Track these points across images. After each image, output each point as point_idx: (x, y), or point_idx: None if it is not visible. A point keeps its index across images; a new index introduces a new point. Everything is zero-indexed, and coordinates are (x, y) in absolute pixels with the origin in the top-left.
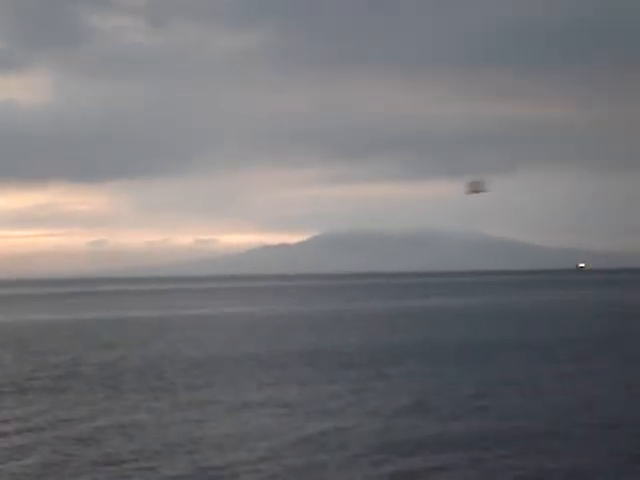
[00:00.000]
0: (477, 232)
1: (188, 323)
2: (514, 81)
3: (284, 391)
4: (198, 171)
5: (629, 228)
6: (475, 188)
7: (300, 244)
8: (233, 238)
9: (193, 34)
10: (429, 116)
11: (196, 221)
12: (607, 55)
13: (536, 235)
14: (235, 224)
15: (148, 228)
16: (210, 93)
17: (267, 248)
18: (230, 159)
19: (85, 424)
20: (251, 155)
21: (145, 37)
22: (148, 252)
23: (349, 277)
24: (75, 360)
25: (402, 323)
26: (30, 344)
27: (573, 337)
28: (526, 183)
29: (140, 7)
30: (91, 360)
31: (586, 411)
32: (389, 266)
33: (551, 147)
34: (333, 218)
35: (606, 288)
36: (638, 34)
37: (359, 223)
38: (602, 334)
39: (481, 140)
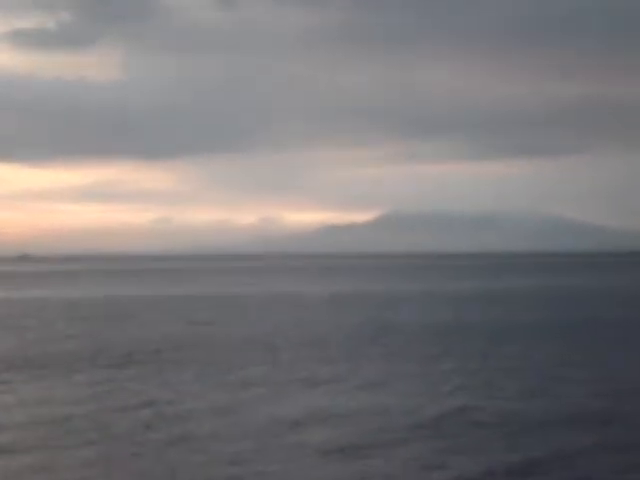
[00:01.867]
0: (546, 213)
1: (265, 301)
2: (584, 59)
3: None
4: (263, 148)
5: None
6: None
7: (366, 223)
8: (298, 216)
9: (262, 11)
10: (497, 95)
11: (261, 199)
12: None
13: (606, 216)
14: (300, 202)
15: (212, 206)
16: (276, 70)
17: (333, 227)
18: (295, 136)
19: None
20: (316, 132)
21: (213, 13)
22: (212, 230)
23: (415, 257)
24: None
25: (482, 304)
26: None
27: None
28: (596, 163)
29: None
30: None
31: None
32: (457, 247)
33: (623, 127)
34: (399, 197)
35: None
36: None
37: (426, 203)
38: None
39: (550, 119)
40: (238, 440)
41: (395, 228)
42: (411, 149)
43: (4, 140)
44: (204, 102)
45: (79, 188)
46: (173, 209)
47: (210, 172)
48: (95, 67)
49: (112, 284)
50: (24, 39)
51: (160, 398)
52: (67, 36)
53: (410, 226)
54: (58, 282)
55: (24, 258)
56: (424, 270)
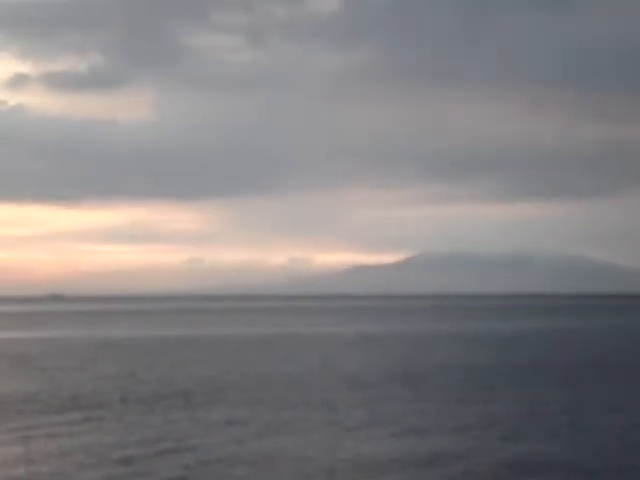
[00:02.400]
0: (575, 255)
1: (291, 342)
2: (613, 101)
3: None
4: (294, 189)
5: None
6: None
7: (395, 264)
8: (328, 257)
9: (293, 52)
10: (528, 136)
11: (291, 240)
12: None
13: (630, 257)
14: (330, 243)
15: (243, 246)
16: (306, 110)
17: (362, 267)
18: (326, 177)
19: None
20: (348, 174)
21: (244, 55)
22: (243, 270)
23: (443, 298)
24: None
25: (512, 344)
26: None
27: None
28: (627, 206)
29: (240, 26)
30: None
31: None
32: (486, 288)
33: None
34: (429, 239)
35: None
36: None
37: (456, 244)
38: None
39: (581, 161)
40: None
41: (424, 269)
42: (442, 191)
43: (37, 181)
44: (235, 142)
45: (110, 229)
46: (204, 249)
47: (241, 213)
48: (126, 108)
49: (146, 324)
50: (57, 81)
51: (203, 441)
52: (99, 78)
53: (439, 267)
54: (90, 322)
55: (56, 298)
56: (451, 311)
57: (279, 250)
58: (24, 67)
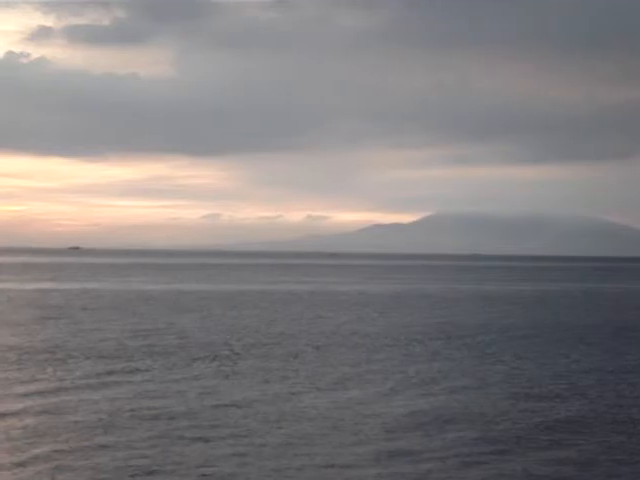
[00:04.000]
0: (593, 217)
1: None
2: (636, 63)
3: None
4: (314, 147)
5: None
6: None
7: (412, 224)
8: (345, 216)
9: (315, 12)
10: (548, 99)
11: (309, 197)
12: None
13: None
14: (348, 202)
15: (262, 203)
16: (328, 70)
17: (379, 227)
18: (346, 136)
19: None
20: (367, 134)
21: (267, 13)
22: (261, 227)
23: (460, 258)
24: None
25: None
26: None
27: None
28: None
29: None
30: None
31: None
32: (500, 249)
33: None
34: (446, 199)
35: None
36: None
37: (472, 205)
38: None
39: (601, 124)
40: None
41: (440, 229)
42: (461, 152)
43: (59, 135)
44: (256, 101)
45: (131, 183)
46: (222, 206)
47: (260, 170)
48: (147, 64)
49: (163, 279)
50: (79, 35)
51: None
52: (120, 33)
53: (454, 228)
54: (109, 275)
55: (75, 250)
56: (468, 271)
57: (297, 208)
58: (47, 20)
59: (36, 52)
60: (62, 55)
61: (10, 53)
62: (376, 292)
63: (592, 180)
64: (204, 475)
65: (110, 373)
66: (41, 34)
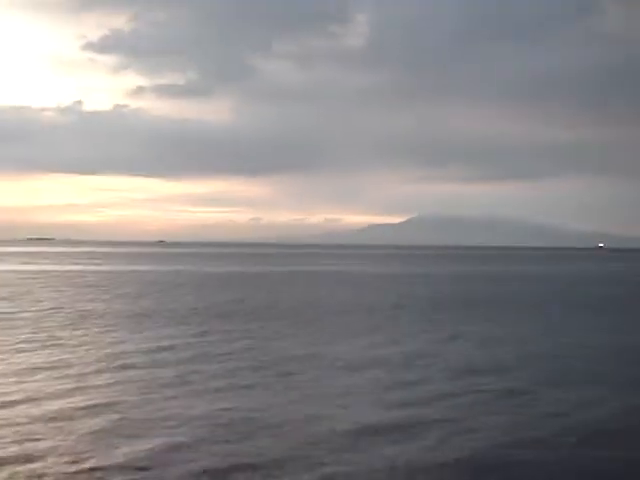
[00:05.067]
0: (532, 219)
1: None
2: (561, 111)
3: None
4: (330, 168)
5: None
6: None
7: (401, 224)
8: (353, 218)
9: (331, 72)
10: (497, 133)
11: (326, 205)
12: None
13: (574, 222)
14: (355, 208)
15: (292, 209)
16: (341, 115)
17: (377, 226)
18: (354, 161)
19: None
20: (369, 159)
21: (296, 75)
22: (291, 227)
23: (437, 249)
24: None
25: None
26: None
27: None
28: (570, 183)
29: (293, 54)
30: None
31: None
32: (468, 242)
33: (582, 160)
34: (425, 206)
35: (618, 262)
36: None
37: (445, 210)
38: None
39: (536, 153)
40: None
41: (422, 228)
42: (433, 173)
43: (149, 162)
44: (289, 136)
45: (200, 195)
46: (263, 211)
47: (290, 186)
48: (213, 111)
49: (225, 263)
50: (163, 91)
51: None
52: (193, 89)
53: (433, 226)
54: (189, 260)
55: (160, 243)
56: (441, 258)
57: (317, 213)
58: (142, 81)
59: (134, 104)
60: (152, 106)
61: (117, 105)
62: (394, 273)
63: (527, 192)
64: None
65: (247, 330)
66: (138, 91)
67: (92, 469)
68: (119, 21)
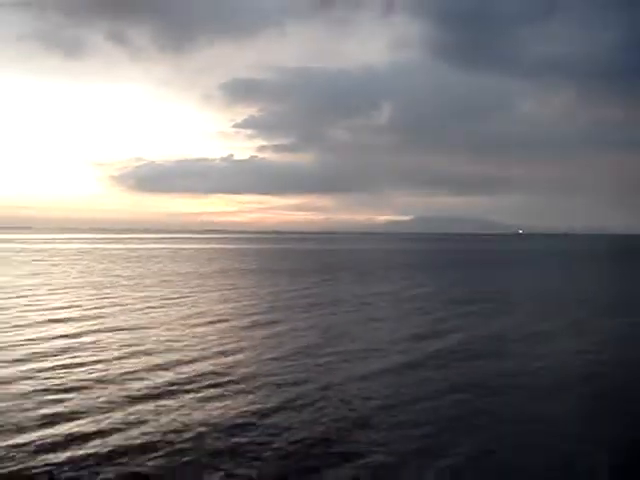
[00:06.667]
0: (486, 217)
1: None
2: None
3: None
4: (366, 189)
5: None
6: None
7: (408, 220)
8: (380, 217)
9: (368, 136)
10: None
11: (365, 211)
12: None
13: (511, 219)
14: (377, 212)
15: (346, 213)
16: (373, 160)
17: (392, 222)
18: (379, 185)
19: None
20: (388, 184)
21: (348, 138)
22: (346, 223)
23: (428, 234)
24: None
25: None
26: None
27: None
28: (512, 198)
29: (347, 125)
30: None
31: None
32: (447, 231)
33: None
34: (422, 210)
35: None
36: None
37: (437, 213)
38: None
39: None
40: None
41: (421, 223)
42: (428, 192)
43: (268, 187)
44: (344, 171)
45: (294, 205)
46: (330, 214)
47: (344, 199)
48: (303, 160)
49: (307, 245)
50: (277, 149)
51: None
52: (293, 147)
53: (429, 222)
54: (283, 243)
55: (278, 234)
56: (435, 241)
57: (361, 214)
58: (265, 142)
59: (260, 155)
60: (270, 156)
61: (251, 156)
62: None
63: (480, 203)
64: None
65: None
66: (262, 148)
67: None
68: (253, 110)
